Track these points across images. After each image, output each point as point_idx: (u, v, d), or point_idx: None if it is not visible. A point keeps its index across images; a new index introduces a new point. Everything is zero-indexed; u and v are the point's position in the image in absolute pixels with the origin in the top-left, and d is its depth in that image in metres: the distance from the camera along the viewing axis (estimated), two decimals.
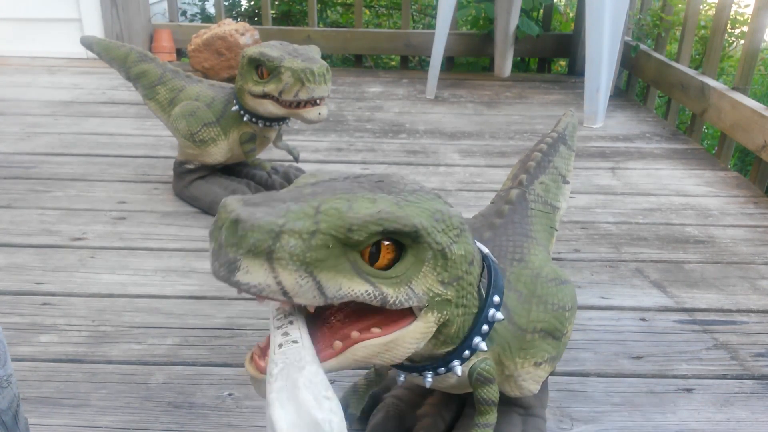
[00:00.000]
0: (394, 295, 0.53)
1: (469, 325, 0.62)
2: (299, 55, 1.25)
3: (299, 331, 0.52)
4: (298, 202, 0.51)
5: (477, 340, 0.63)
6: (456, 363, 0.63)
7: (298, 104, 1.25)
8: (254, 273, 0.48)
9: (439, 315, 0.58)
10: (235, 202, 0.50)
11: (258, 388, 0.53)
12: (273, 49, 1.26)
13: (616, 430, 0.85)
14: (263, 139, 1.43)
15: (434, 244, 0.54)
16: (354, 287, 0.51)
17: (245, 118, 1.35)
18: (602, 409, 0.88)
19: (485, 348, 0.64)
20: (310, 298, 0.50)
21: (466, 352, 0.63)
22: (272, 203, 0.51)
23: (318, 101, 1.25)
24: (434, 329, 0.58)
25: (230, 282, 0.49)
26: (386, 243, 0.52)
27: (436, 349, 0.62)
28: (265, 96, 1.27)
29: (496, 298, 0.64)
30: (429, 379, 0.65)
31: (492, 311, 0.63)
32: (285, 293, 0.49)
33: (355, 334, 0.54)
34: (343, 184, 0.55)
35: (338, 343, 0.53)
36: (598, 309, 1.12)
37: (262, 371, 0.52)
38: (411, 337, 0.56)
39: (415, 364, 0.65)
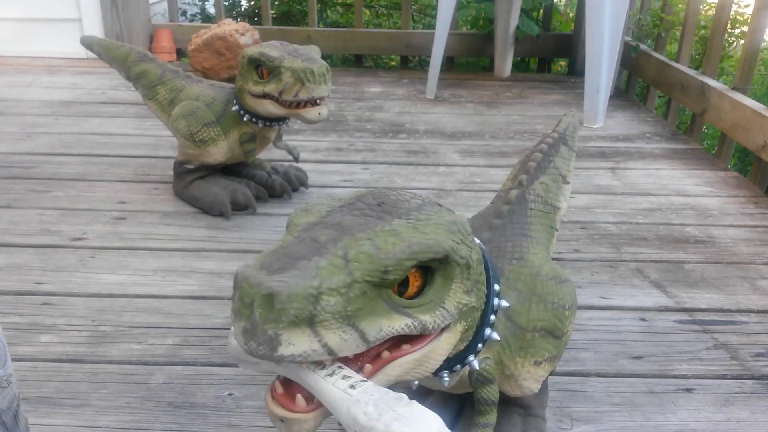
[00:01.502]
0: (431, 320, 0.53)
1: (480, 319, 0.63)
2: (299, 55, 1.25)
3: (350, 370, 0.51)
4: (321, 254, 0.49)
5: (488, 331, 0.63)
6: (471, 358, 0.63)
7: (298, 104, 1.24)
8: (298, 343, 0.46)
9: (466, 323, 0.58)
10: (258, 274, 0.48)
11: (290, 427, 0.50)
12: (273, 49, 1.25)
13: (616, 430, 0.85)
14: (263, 139, 1.43)
15: (460, 260, 0.54)
16: (393, 324, 0.50)
17: (245, 118, 1.35)
18: (602, 409, 0.88)
19: (497, 337, 0.64)
20: (353, 349, 0.48)
21: (479, 345, 0.63)
22: (295, 263, 0.48)
23: (318, 101, 1.25)
24: (459, 337, 0.58)
25: (273, 358, 0.47)
26: (414, 271, 0.52)
27: (453, 350, 0.62)
28: (265, 96, 1.27)
29: (497, 287, 0.64)
30: (446, 378, 0.64)
31: (496, 300, 0.63)
32: (331, 352, 0.47)
33: (385, 353, 0.52)
34: (347, 217, 0.53)
35: (368, 366, 0.52)
36: (598, 309, 1.12)
37: (299, 410, 0.50)
38: (442, 349, 0.56)
39: None
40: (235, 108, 1.35)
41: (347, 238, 0.50)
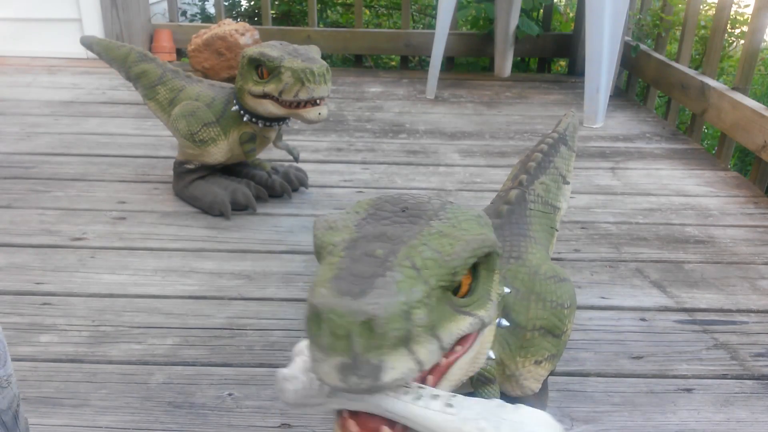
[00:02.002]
0: (486, 314, 0.53)
1: None
2: (299, 55, 1.24)
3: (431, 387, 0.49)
4: (390, 269, 0.46)
5: (497, 320, 0.64)
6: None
7: (298, 104, 1.25)
8: (398, 366, 0.44)
9: (499, 311, 0.58)
10: (344, 302, 0.44)
11: None
12: (273, 49, 1.25)
13: (616, 430, 0.85)
14: (263, 139, 1.43)
15: (499, 250, 0.54)
16: (460, 326, 0.50)
17: (245, 118, 1.35)
18: (602, 409, 0.88)
19: (507, 323, 0.64)
20: (434, 359, 0.47)
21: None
22: (372, 281, 0.45)
23: (318, 101, 1.25)
24: (495, 326, 0.58)
25: (376, 389, 0.44)
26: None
27: None
28: (265, 96, 1.27)
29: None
30: None
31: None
32: (421, 367, 0.45)
33: (442, 360, 0.51)
34: (385, 228, 0.51)
35: (430, 378, 0.50)
36: (598, 309, 1.12)
37: None
38: (488, 341, 0.56)
39: None
40: (235, 108, 1.35)
41: (404, 248, 0.48)
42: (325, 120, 2.11)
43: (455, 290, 0.50)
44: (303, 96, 1.22)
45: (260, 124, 1.36)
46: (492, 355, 0.64)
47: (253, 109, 1.31)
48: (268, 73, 1.25)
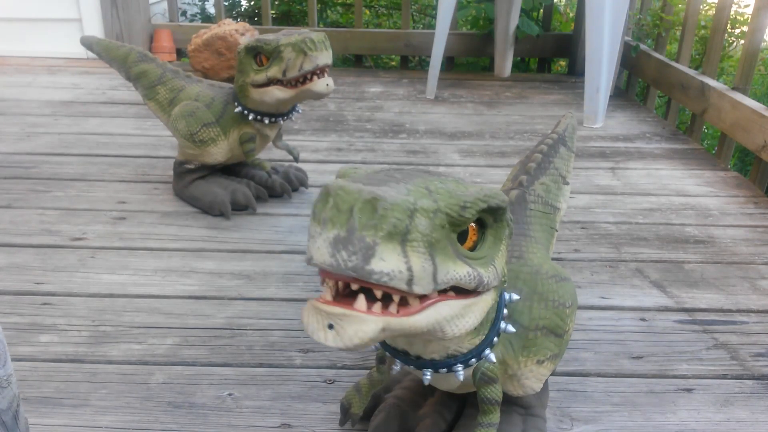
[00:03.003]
0: (486, 275, 0.53)
1: (495, 312, 0.63)
2: (293, 33, 1.24)
3: None
4: (406, 183, 0.48)
5: (503, 324, 0.64)
6: (487, 351, 0.64)
7: (304, 80, 1.23)
8: (389, 259, 0.44)
9: (497, 295, 0.58)
10: (355, 184, 0.46)
11: (344, 330, 0.46)
12: (267, 36, 1.26)
13: (616, 430, 0.85)
14: (263, 138, 1.43)
15: (510, 222, 0.55)
16: (458, 270, 0.50)
17: (250, 117, 1.35)
18: (602, 409, 0.88)
19: (494, 359, 0.64)
20: (425, 285, 0.47)
21: (495, 339, 0.64)
22: (386, 182, 0.48)
23: (322, 72, 1.23)
24: (492, 306, 0.58)
25: (362, 272, 0.44)
26: (473, 224, 0.52)
27: (469, 338, 0.62)
28: (269, 83, 1.26)
29: (506, 311, 0.65)
30: (461, 372, 0.64)
31: (503, 324, 0.65)
32: (410, 280, 0.45)
33: (434, 296, 0.50)
34: (386, 176, 0.52)
35: (417, 301, 0.49)
36: (598, 309, 1.12)
37: (358, 310, 0.46)
38: (484, 306, 0.55)
39: (446, 360, 0.64)
40: (238, 109, 1.35)
41: (419, 179, 0.49)
42: (326, 119, 2.11)
43: (461, 241, 0.51)
44: (308, 66, 1.19)
45: (265, 121, 1.35)
46: (493, 358, 0.65)
47: (258, 102, 1.30)
48: (267, 58, 1.24)
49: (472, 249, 0.52)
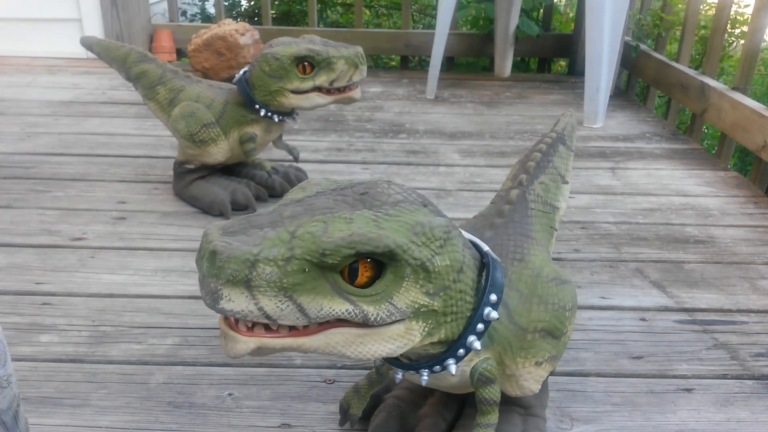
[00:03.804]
0: (375, 312, 0.54)
1: (463, 326, 0.63)
2: (329, 44, 1.32)
3: None
4: (275, 227, 0.53)
5: (471, 339, 0.63)
6: (450, 361, 0.64)
7: (344, 88, 1.33)
8: (236, 300, 0.51)
9: (425, 324, 0.58)
10: (215, 232, 0.53)
11: (226, 344, 0.54)
12: (305, 44, 1.30)
13: (616, 430, 0.85)
14: (266, 138, 1.43)
15: (412, 260, 0.55)
16: (335, 306, 0.53)
17: (262, 113, 1.36)
18: (602, 409, 0.88)
19: (479, 347, 0.63)
20: (293, 320, 0.52)
21: (461, 351, 0.63)
22: (250, 230, 0.53)
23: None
24: (418, 337, 0.58)
25: (216, 309, 0.51)
26: (365, 261, 0.53)
27: (431, 349, 0.63)
28: (312, 90, 1.32)
29: (493, 297, 0.63)
30: (425, 377, 0.65)
31: (488, 310, 0.63)
32: (268, 317, 0.51)
33: (312, 326, 0.55)
34: (326, 200, 0.57)
35: (313, 326, 0.54)
36: (598, 309, 1.12)
37: (239, 331, 0.54)
38: (388, 336, 0.57)
39: (412, 362, 0.66)
40: (263, 112, 1.36)
41: (305, 218, 0.54)
42: (326, 120, 2.11)
43: (353, 278, 0.53)
44: (356, 78, 1.32)
45: (276, 119, 1.38)
46: (478, 346, 0.64)
47: (294, 106, 1.34)
48: (312, 67, 1.29)
49: (368, 284, 0.54)
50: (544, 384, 0.85)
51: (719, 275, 1.23)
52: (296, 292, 0.51)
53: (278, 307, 0.51)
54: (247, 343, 0.53)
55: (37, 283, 1.14)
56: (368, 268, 0.54)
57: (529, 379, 0.71)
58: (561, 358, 0.88)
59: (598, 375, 0.95)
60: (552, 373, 0.90)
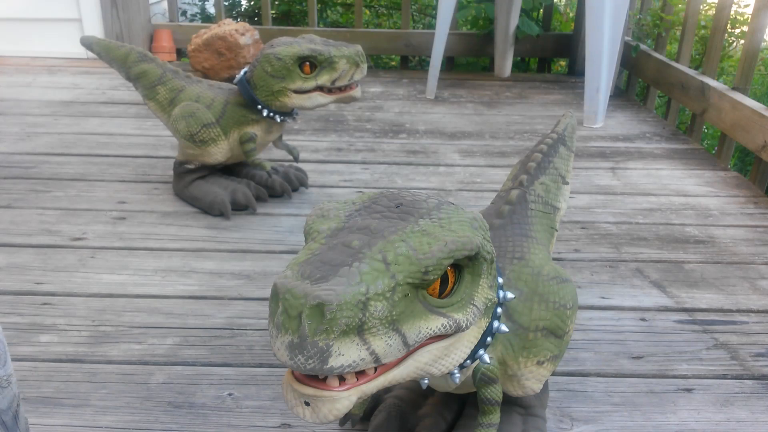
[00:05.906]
0: (464, 318, 0.53)
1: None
2: (329, 43, 1.32)
3: None
4: (360, 260, 0.48)
5: (496, 324, 0.63)
6: (481, 352, 0.64)
7: (345, 87, 1.33)
8: (347, 353, 0.45)
9: (488, 318, 0.58)
10: (302, 285, 0.46)
11: (318, 409, 0.48)
12: (306, 43, 1.30)
13: (616, 430, 0.85)
14: (267, 138, 1.43)
15: (487, 255, 0.54)
16: (431, 325, 0.50)
17: (264, 114, 1.37)
18: (602, 409, 0.88)
19: (506, 329, 0.64)
20: (396, 354, 0.48)
21: (489, 339, 0.64)
22: (336, 270, 0.47)
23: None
24: (483, 330, 0.58)
25: (323, 371, 0.45)
26: (450, 269, 0.52)
27: None
28: (314, 89, 1.32)
29: (500, 279, 0.64)
30: (457, 375, 0.64)
31: (501, 292, 0.64)
32: (377, 360, 0.46)
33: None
34: (373, 221, 0.52)
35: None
36: (598, 309, 1.12)
37: (330, 388, 0.48)
38: (467, 341, 0.56)
39: None
40: (265, 113, 1.37)
41: (381, 242, 0.49)
42: (326, 120, 2.11)
43: (441, 289, 0.51)
44: (357, 77, 1.32)
45: (278, 119, 1.39)
46: (487, 359, 0.64)
47: (294, 106, 1.34)
48: (313, 67, 1.30)
49: (449, 294, 0.52)
50: (545, 384, 0.85)
51: (719, 275, 1.23)
52: (400, 322, 0.47)
53: (387, 344, 0.46)
54: (349, 398, 0.47)
55: (37, 283, 1.14)
56: (452, 272, 0.52)
57: (531, 378, 0.71)
58: (562, 358, 0.88)
59: (598, 375, 0.95)
60: (552, 373, 0.90)
